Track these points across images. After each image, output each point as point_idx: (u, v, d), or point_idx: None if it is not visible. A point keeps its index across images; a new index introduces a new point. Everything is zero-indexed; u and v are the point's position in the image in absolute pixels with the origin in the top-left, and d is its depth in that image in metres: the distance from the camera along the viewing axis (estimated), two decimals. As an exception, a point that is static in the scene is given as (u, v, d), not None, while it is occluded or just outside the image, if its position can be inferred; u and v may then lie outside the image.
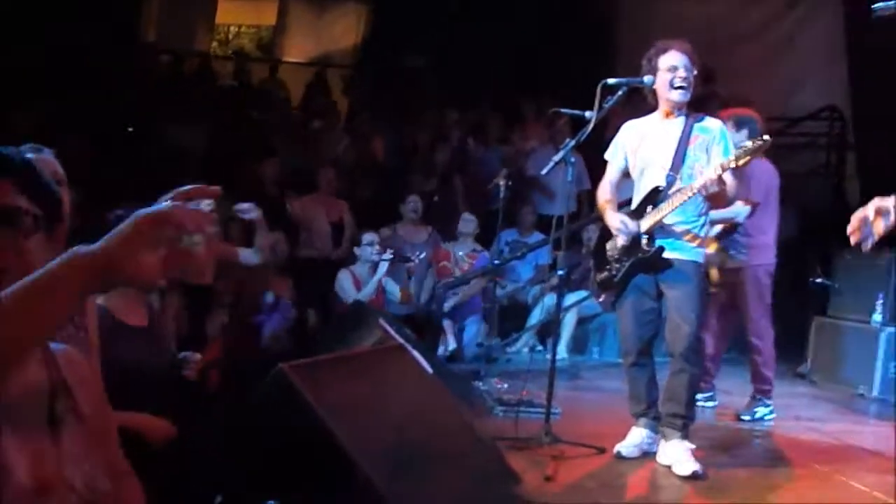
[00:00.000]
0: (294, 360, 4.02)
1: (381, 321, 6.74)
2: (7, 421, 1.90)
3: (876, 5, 4.49)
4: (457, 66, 15.33)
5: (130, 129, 12.59)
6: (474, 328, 10.56)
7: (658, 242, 6.20)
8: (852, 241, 4.33)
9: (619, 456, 6.34)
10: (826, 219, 12.69)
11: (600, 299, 9.38)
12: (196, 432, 4.39)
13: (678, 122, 6.30)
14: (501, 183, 9.08)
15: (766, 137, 5.98)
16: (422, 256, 10.19)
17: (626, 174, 6.57)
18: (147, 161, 11.18)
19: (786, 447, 7.16)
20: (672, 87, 6.21)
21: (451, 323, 10.29)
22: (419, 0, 16.22)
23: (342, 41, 19.42)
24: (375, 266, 9.73)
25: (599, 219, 6.91)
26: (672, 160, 6.23)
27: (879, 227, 4.19)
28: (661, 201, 6.18)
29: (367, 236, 9.98)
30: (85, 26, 13.15)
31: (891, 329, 9.27)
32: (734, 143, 6.51)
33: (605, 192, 6.62)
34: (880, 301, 9.40)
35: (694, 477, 5.94)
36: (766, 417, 7.95)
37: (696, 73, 6.29)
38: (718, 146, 6.23)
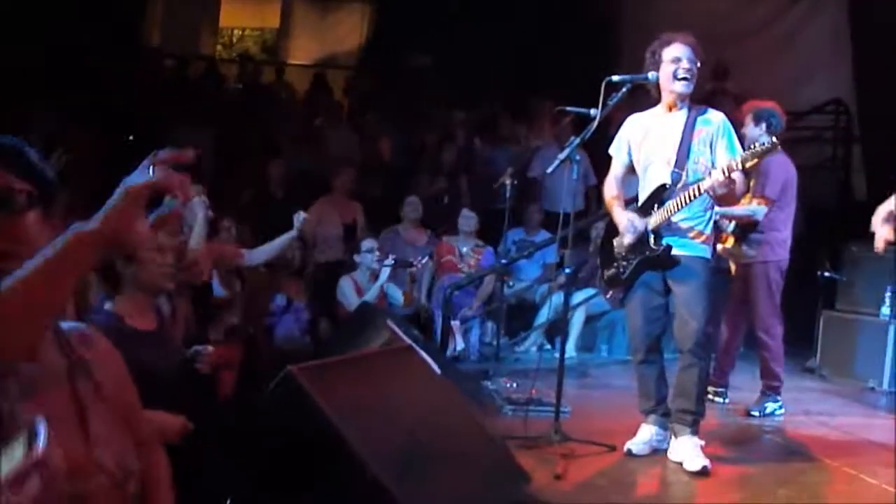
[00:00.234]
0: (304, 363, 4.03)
1: (389, 322, 6.73)
2: (33, 408, 1.92)
3: None
4: (461, 65, 15.31)
5: (131, 138, 12.59)
6: (478, 329, 10.56)
7: (665, 240, 6.20)
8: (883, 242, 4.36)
9: (629, 453, 6.34)
10: (833, 212, 12.70)
11: (608, 296, 9.36)
12: (208, 434, 4.40)
13: (681, 116, 6.30)
14: (508, 182, 9.08)
15: (774, 140, 5.97)
16: (424, 261, 10.18)
17: (631, 169, 6.57)
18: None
19: (796, 442, 7.16)
20: (675, 78, 6.21)
21: (459, 323, 10.27)
22: (422, 0, 16.23)
23: (346, 42, 19.44)
24: (377, 272, 9.71)
25: (606, 215, 6.91)
26: (676, 155, 6.22)
27: None
28: (668, 199, 6.18)
29: (367, 243, 9.97)
30: (88, 30, 13.18)
31: (900, 322, 9.27)
32: (752, 138, 6.52)
33: (611, 187, 6.62)
34: (889, 294, 9.39)
35: (704, 473, 5.94)
36: (776, 413, 7.95)
37: (699, 65, 6.29)
38: (723, 140, 6.22)
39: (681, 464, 6.10)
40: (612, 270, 6.55)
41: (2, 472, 1.82)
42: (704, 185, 5.95)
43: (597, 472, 6.02)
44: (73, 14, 13.15)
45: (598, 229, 10.28)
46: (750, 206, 7.67)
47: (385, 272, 9.66)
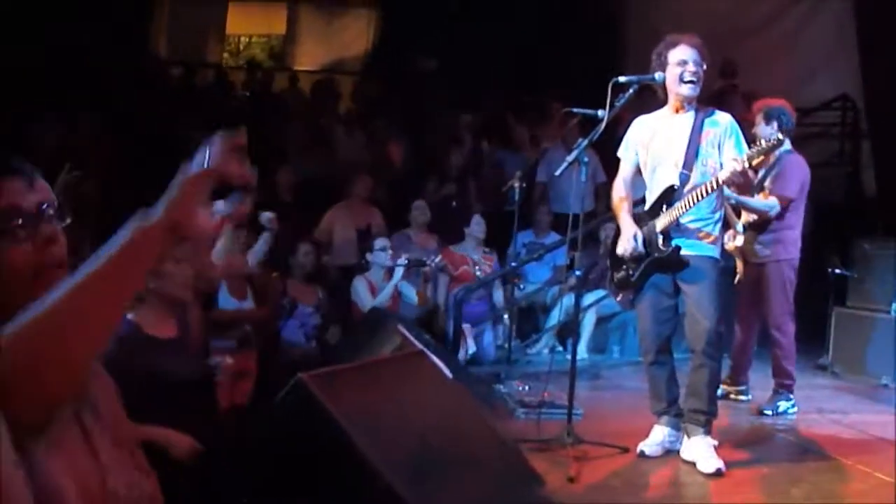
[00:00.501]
0: (314, 370, 4.03)
1: (400, 327, 6.73)
2: (48, 443, 1.91)
3: None
4: (467, 68, 15.32)
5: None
6: (489, 332, 10.55)
7: (674, 241, 6.20)
8: None
9: (642, 455, 6.33)
10: (842, 209, 12.69)
11: (618, 298, 9.37)
12: (222, 442, 4.42)
13: (688, 117, 6.30)
14: (516, 185, 9.07)
15: (780, 136, 5.98)
16: (437, 260, 10.17)
17: (639, 171, 6.58)
18: (164, 173, 11.19)
19: (809, 440, 7.15)
20: (681, 81, 6.22)
21: (471, 327, 10.27)
22: (428, 3, 16.24)
23: (353, 48, 19.46)
24: (390, 271, 9.72)
25: (616, 218, 6.91)
26: (685, 157, 6.23)
27: None
28: (676, 200, 6.18)
29: (380, 241, 9.98)
30: (94, 39, 13.20)
31: (911, 317, 9.26)
32: (765, 137, 6.52)
33: (619, 189, 6.62)
34: (900, 290, 9.38)
35: (717, 474, 5.94)
36: (789, 411, 7.95)
37: (705, 67, 6.30)
38: (730, 140, 6.23)
39: (694, 464, 6.10)
40: (622, 273, 6.55)
41: None
42: (722, 175, 5.94)
43: (610, 473, 6.02)
44: (79, 22, 13.18)
45: (607, 230, 10.27)
46: (767, 202, 7.69)
47: (399, 271, 9.69)
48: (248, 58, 19.84)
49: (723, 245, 6.70)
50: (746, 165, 5.84)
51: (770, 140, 5.95)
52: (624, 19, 16.68)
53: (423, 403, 4.67)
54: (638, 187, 6.69)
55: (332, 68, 18.69)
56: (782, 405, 7.92)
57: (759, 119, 7.71)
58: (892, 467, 6.17)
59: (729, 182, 5.93)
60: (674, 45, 6.27)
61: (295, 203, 11.48)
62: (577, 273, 7.08)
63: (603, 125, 6.37)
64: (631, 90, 6.37)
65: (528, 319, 11.25)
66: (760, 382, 8.42)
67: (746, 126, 6.60)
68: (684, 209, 6.13)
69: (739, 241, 7.96)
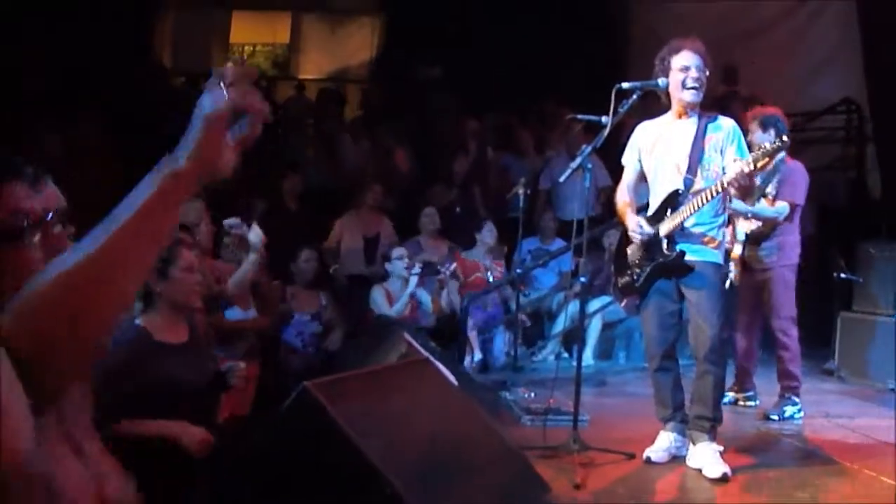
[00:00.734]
0: (318, 378, 4.03)
1: (406, 335, 6.74)
2: (41, 455, 1.91)
3: None
4: (471, 75, 15.33)
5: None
6: (501, 338, 10.55)
7: (678, 246, 6.21)
8: None
9: (648, 461, 6.33)
10: (847, 213, 12.68)
11: (623, 304, 9.37)
12: (224, 450, 4.44)
13: (691, 123, 6.31)
14: (521, 191, 9.08)
15: (784, 139, 5.99)
16: (452, 268, 10.19)
17: (643, 177, 6.58)
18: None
19: (815, 444, 7.14)
20: (684, 87, 6.23)
21: (477, 334, 10.29)
22: (432, 11, 16.26)
23: (357, 55, 19.49)
24: (407, 280, 9.76)
25: (619, 224, 6.91)
26: (688, 161, 6.23)
27: None
28: (681, 204, 6.18)
29: (397, 251, 10.02)
30: (98, 50, 13.22)
31: (917, 322, 9.25)
32: (761, 144, 6.52)
33: (622, 195, 6.64)
34: (905, 294, 9.38)
35: (723, 479, 5.93)
36: (796, 416, 7.95)
37: (708, 73, 6.30)
38: (732, 145, 6.23)
39: (700, 470, 6.09)
40: (626, 278, 6.56)
41: None
42: (727, 177, 5.93)
43: (616, 480, 6.02)
44: (83, 32, 13.21)
45: (610, 237, 10.29)
46: (777, 208, 7.72)
47: (413, 280, 9.71)
48: (252, 67, 19.86)
49: (726, 252, 6.70)
50: (752, 168, 5.83)
51: (774, 143, 5.95)
52: (627, 24, 16.71)
53: (428, 410, 4.67)
54: (641, 194, 6.69)
55: (336, 77, 18.72)
56: (788, 410, 7.93)
57: (755, 127, 7.71)
58: (898, 471, 6.20)
59: (733, 184, 5.91)
60: (677, 50, 6.27)
61: (300, 211, 11.50)
62: (582, 279, 7.08)
63: (607, 131, 6.38)
64: (634, 96, 6.37)
65: (534, 326, 11.24)
66: (767, 388, 8.41)
67: (744, 133, 6.61)
68: (689, 213, 6.13)
69: (738, 249, 7.98)
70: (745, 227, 7.96)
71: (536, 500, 5.02)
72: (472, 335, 10.20)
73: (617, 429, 7.28)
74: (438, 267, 10.13)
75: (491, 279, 10.64)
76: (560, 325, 10.81)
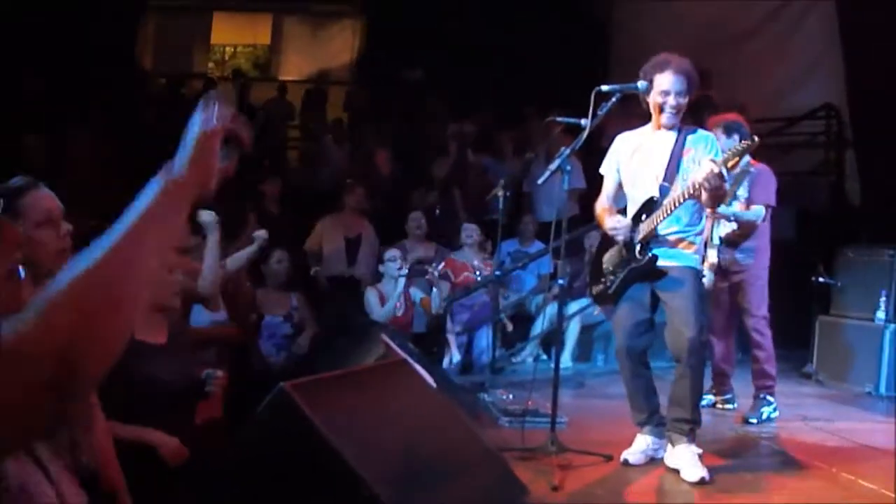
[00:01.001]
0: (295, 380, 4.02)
1: (384, 336, 6.74)
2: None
3: None
4: (453, 77, 15.35)
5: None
6: (484, 339, 10.54)
7: (653, 251, 6.21)
8: None
9: (625, 463, 6.33)
10: (827, 217, 12.73)
11: (596, 313, 9.39)
12: (200, 453, 4.42)
13: (671, 134, 6.31)
14: (500, 193, 9.08)
15: (755, 138, 6.00)
16: (440, 268, 10.20)
17: (622, 187, 6.59)
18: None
19: (793, 448, 7.15)
20: (662, 110, 6.24)
21: (455, 335, 10.29)
22: (414, 12, 16.27)
23: (339, 57, 19.49)
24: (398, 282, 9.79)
25: (599, 227, 6.92)
26: (665, 170, 6.24)
27: None
28: (656, 210, 6.18)
29: (390, 253, 10.03)
30: (81, 53, 13.20)
31: (895, 326, 9.27)
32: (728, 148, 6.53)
33: (602, 203, 6.63)
34: (883, 298, 9.41)
35: (702, 483, 5.93)
36: (772, 415, 7.97)
37: (691, 94, 6.28)
38: (709, 155, 6.21)
39: (678, 472, 6.10)
40: (600, 286, 6.57)
41: None
42: (699, 176, 5.91)
43: (594, 482, 6.01)
44: (67, 37, 13.19)
45: (591, 238, 10.30)
46: (755, 210, 7.75)
47: (401, 282, 9.72)
48: (233, 67, 19.85)
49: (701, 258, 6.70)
50: (722, 168, 5.82)
51: (742, 143, 5.97)
52: (612, 27, 16.74)
53: (407, 412, 4.67)
54: (620, 203, 6.71)
55: (317, 78, 18.71)
56: (765, 411, 7.95)
57: (720, 133, 7.72)
58: (876, 475, 6.20)
59: (706, 184, 5.88)
60: (661, 69, 6.23)
61: (282, 214, 11.49)
62: (561, 282, 7.08)
63: (585, 133, 6.39)
64: (614, 99, 6.37)
65: (514, 328, 11.24)
66: (745, 390, 8.42)
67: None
68: (662, 217, 6.12)
69: (713, 254, 8.01)
70: (720, 231, 7.98)
71: (515, 501, 5.02)
72: (451, 337, 10.21)
73: (595, 431, 7.29)
74: (426, 267, 10.14)
75: (480, 279, 10.64)
76: (539, 327, 10.82)
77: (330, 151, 13.93)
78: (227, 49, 21.18)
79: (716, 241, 7.96)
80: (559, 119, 7.14)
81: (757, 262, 8.06)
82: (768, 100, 13.93)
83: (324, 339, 8.87)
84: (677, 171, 6.24)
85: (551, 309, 9.78)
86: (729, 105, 10.01)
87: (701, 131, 6.43)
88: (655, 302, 6.36)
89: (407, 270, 9.83)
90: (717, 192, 5.97)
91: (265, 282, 9.01)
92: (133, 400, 4.37)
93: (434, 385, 5.63)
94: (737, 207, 7.79)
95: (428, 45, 16.14)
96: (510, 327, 10.94)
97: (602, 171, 6.67)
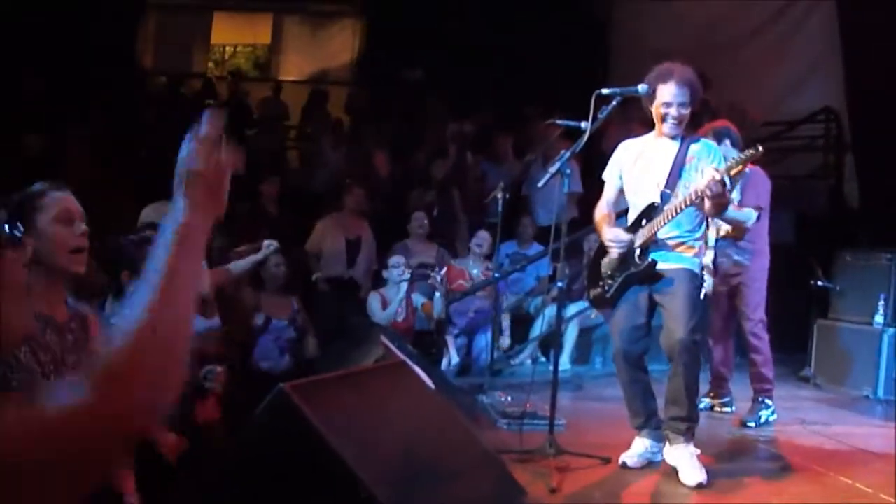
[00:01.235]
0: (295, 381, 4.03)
1: (383, 338, 6.74)
2: None
3: None
4: (453, 77, 15.35)
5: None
6: (484, 340, 10.53)
7: (651, 256, 6.22)
8: None
9: (623, 466, 6.33)
10: (825, 221, 12.73)
11: (593, 317, 9.40)
12: (199, 454, 4.42)
13: (674, 142, 6.31)
14: (499, 196, 9.08)
15: (759, 147, 5.99)
16: (443, 272, 10.19)
17: (623, 193, 6.59)
18: (151, 184, 11.21)
19: (790, 451, 7.15)
20: (664, 120, 6.25)
21: (453, 338, 10.29)
22: (414, 12, 16.26)
23: (339, 57, 19.48)
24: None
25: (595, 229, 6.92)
26: (668, 177, 6.24)
27: None
28: (656, 216, 6.19)
29: (395, 259, 10.03)
30: (82, 52, 13.20)
31: (893, 330, 9.29)
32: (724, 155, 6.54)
33: (601, 210, 6.63)
34: (882, 302, 9.41)
35: (699, 487, 5.93)
36: (770, 419, 7.98)
37: (693, 104, 6.29)
38: (712, 165, 6.20)
39: (676, 474, 6.09)
40: (598, 290, 6.57)
41: None
42: (701, 184, 5.92)
43: (591, 484, 6.01)
44: (67, 37, 13.20)
45: (591, 241, 10.30)
46: (745, 212, 7.73)
47: (403, 286, 9.72)
48: (233, 67, 19.85)
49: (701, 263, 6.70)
50: (725, 176, 5.82)
51: (749, 151, 5.96)
52: (611, 28, 16.74)
53: (405, 414, 4.67)
54: (620, 207, 6.72)
55: (317, 79, 18.70)
56: (763, 414, 7.95)
57: (711, 138, 7.74)
58: (874, 479, 6.21)
59: (708, 191, 5.89)
60: (665, 79, 6.23)
61: (280, 215, 11.47)
62: (560, 284, 7.08)
63: (586, 137, 6.39)
64: (614, 102, 6.37)
65: (512, 330, 11.24)
66: (743, 394, 8.42)
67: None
68: (662, 223, 6.13)
69: (710, 256, 8.00)
70: (717, 232, 7.99)
71: (512, 503, 5.02)
72: (450, 339, 10.21)
73: (593, 433, 7.29)
74: (429, 272, 10.14)
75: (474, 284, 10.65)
76: (537, 329, 10.82)
77: (328, 152, 13.93)
78: (227, 49, 21.15)
79: (711, 242, 7.96)
80: (559, 122, 7.14)
81: (754, 264, 8.06)
82: (768, 103, 13.94)
83: (323, 342, 8.88)
84: (679, 178, 6.25)
85: (550, 311, 9.79)
86: (726, 109, 10.00)
87: (704, 140, 6.45)
88: (653, 306, 6.36)
89: (410, 274, 9.84)
90: (720, 200, 5.97)
91: (264, 285, 8.99)
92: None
93: (433, 387, 5.63)
94: (729, 209, 7.80)
95: (428, 46, 16.13)
96: (508, 342, 10.93)
97: (604, 177, 6.67)
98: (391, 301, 9.80)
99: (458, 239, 11.97)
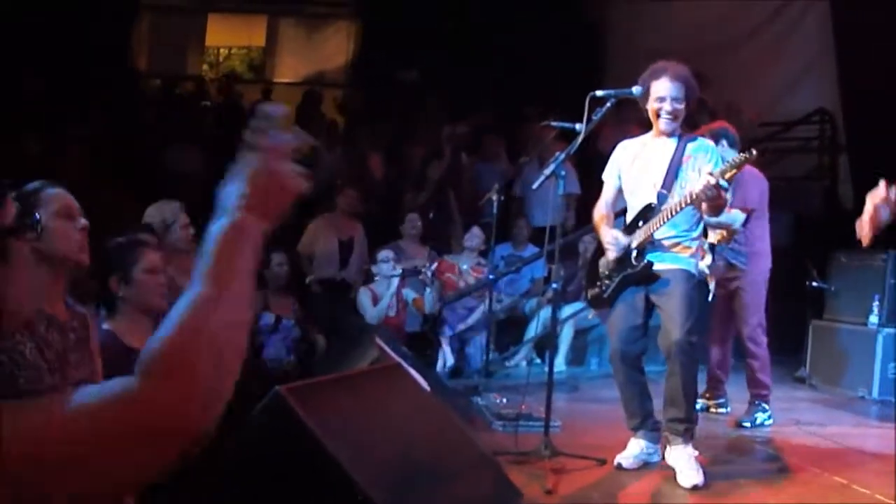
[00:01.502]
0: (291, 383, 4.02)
1: (378, 339, 6.73)
2: None
3: None
4: (449, 77, 15.34)
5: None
6: (478, 342, 10.53)
7: (648, 257, 6.23)
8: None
9: (619, 467, 6.33)
10: (820, 222, 12.74)
11: (590, 315, 9.40)
12: (195, 457, 4.40)
13: (671, 142, 6.32)
14: (494, 197, 9.08)
15: (752, 151, 5.99)
16: (433, 268, 10.20)
17: (621, 193, 6.59)
18: (145, 186, 11.22)
19: (787, 452, 7.16)
20: (659, 116, 6.25)
21: (448, 339, 10.29)
22: (409, 14, 16.26)
23: (334, 59, 19.46)
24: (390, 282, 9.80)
25: (594, 230, 6.93)
26: (664, 178, 6.25)
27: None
28: (652, 217, 6.19)
29: (383, 253, 10.03)
30: (75, 53, 13.19)
31: (888, 330, 9.30)
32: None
33: (599, 210, 6.64)
34: (876, 302, 9.43)
35: (695, 489, 5.93)
36: (766, 423, 7.98)
37: (688, 100, 6.29)
38: (709, 164, 6.21)
39: (673, 475, 6.09)
40: (596, 290, 6.58)
41: None
42: (696, 188, 5.92)
43: (587, 486, 6.01)
44: (66, 37, 13.18)
45: (586, 243, 10.32)
46: (731, 215, 7.71)
47: (394, 282, 9.72)
48: (227, 69, 19.84)
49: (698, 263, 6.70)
50: (720, 180, 5.83)
51: (742, 155, 5.96)
52: (607, 32, 16.73)
53: (401, 416, 4.67)
54: (618, 206, 6.73)
55: (312, 80, 18.68)
56: (759, 416, 7.96)
57: (708, 140, 7.77)
58: (869, 479, 6.22)
59: (702, 195, 5.89)
60: (657, 76, 6.26)
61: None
62: (554, 286, 7.08)
63: (580, 138, 6.40)
64: (608, 104, 6.38)
65: (507, 332, 11.25)
66: (738, 395, 8.43)
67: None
68: (658, 225, 6.14)
69: (708, 260, 8.01)
70: (713, 237, 7.98)
71: (508, 505, 5.02)
72: (444, 340, 10.21)
73: (588, 434, 7.29)
74: (420, 267, 10.14)
75: (461, 285, 10.64)
76: (532, 330, 10.82)
77: (322, 154, 13.92)
78: (222, 51, 21.12)
79: (706, 245, 7.96)
80: (554, 123, 7.14)
81: (752, 267, 8.04)
82: (762, 104, 13.93)
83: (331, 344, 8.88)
84: (676, 178, 6.25)
85: (545, 312, 9.83)
86: (723, 109, 10.00)
87: (701, 139, 6.45)
88: (650, 306, 6.36)
89: (401, 271, 9.84)
90: (715, 203, 5.99)
91: (267, 285, 8.99)
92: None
93: (428, 388, 5.63)
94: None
95: (423, 47, 16.12)
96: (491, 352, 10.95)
97: (603, 177, 6.68)
98: (381, 296, 9.79)
99: (454, 240, 11.96)
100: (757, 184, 8.00)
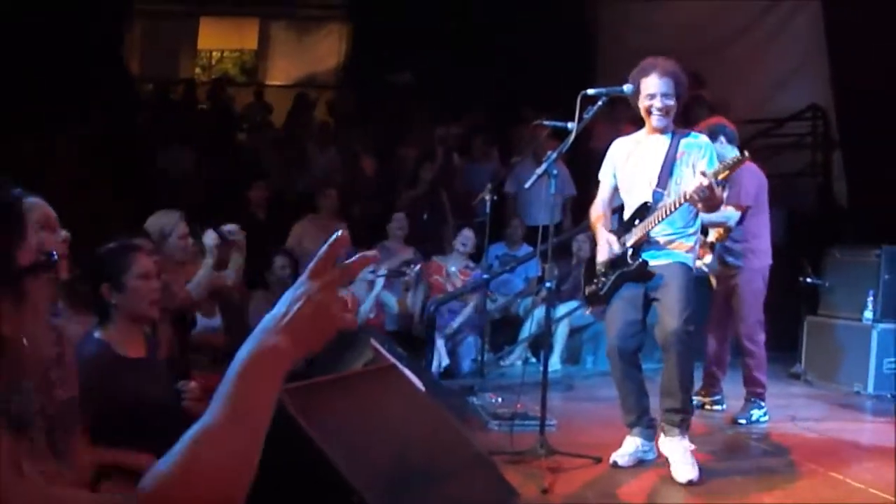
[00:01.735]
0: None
1: (373, 341, 6.72)
2: None
3: None
4: (440, 81, 15.35)
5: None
6: (470, 342, 10.53)
7: (645, 255, 6.24)
8: None
9: (615, 465, 6.33)
10: (814, 218, 12.75)
11: (587, 312, 9.40)
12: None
13: (664, 138, 6.34)
14: (487, 197, 9.08)
15: (745, 153, 5.99)
16: (416, 269, 10.20)
17: (617, 192, 6.60)
18: (137, 190, 11.22)
19: (782, 448, 7.17)
20: (650, 113, 6.26)
21: (445, 340, 10.29)
22: (401, 16, 16.26)
23: (326, 61, 19.48)
24: (372, 284, 9.76)
25: (588, 229, 6.94)
26: (659, 176, 6.26)
27: None
28: (649, 216, 6.20)
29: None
30: (68, 56, 13.18)
31: (883, 325, 9.31)
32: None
33: (596, 209, 6.65)
34: (871, 298, 9.43)
35: (690, 485, 5.93)
36: (762, 419, 7.98)
37: (679, 95, 6.29)
38: (703, 160, 6.23)
39: (668, 471, 6.09)
40: (592, 287, 6.58)
41: None
42: (689, 189, 5.93)
43: (583, 484, 6.02)
44: (54, 40, 13.16)
45: (579, 242, 10.32)
46: (724, 212, 7.71)
47: (379, 283, 9.71)
48: (219, 72, 19.84)
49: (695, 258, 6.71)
50: (713, 180, 5.83)
51: (737, 157, 5.97)
52: (597, 31, 16.73)
53: (396, 416, 4.66)
54: (615, 204, 6.75)
55: (304, 83, 18.70)
56: (755, 413, 7.96)
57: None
58: (865, 474, 6.23)
59: (696, 196, 5.90)
60: (647, 72, 6.27)
61: (268, 219, 11.47)
62: (548, 285, 7.08)
63: (572, 137, 6.41)
64: (600, 102, 6.39)
65: (502, 331, 11.24)
66: (734, 391, 8.43)
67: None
68: (653, 224, 6.16)
69: (708, 258, 8.01)
70: (712, 235, 7.99)
71: (504, 505, 5.01)
72: (439, 341, 10.20)
73: (584, 433, 7.30)
74: (404, 269, 10.13)
75: (449, 287, 10.63)
76: (527, 330, 10.81)
77: (314, 156, 13.93)
78: (214, 54, 21.14)
79: (707, 237, 7.97)
80: (546, 122, 7.16)
81: (749, 264, 8.03)
82: (754, 101, 13.93)
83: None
84: (670, 175, 6.27)
85: (539, 312, 9.81)
86: (723, 104, 10.00)
87: (695, 135, 6.46)
88: (648, 303, 6.36)
89: (386, 271, 9.83)
90: (710, 203, 6.00)
91: (270, 287, 8.99)
92: (120, 417, 4.28)
93: (423, 389, 5.62)
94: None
95: (415, 49, 16.12)
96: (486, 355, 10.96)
97: (599, 176, 6.69)
98: (360, 297, 9.78)
99: (446, 240, 11.96)
100: (754, 179, 7.98)
